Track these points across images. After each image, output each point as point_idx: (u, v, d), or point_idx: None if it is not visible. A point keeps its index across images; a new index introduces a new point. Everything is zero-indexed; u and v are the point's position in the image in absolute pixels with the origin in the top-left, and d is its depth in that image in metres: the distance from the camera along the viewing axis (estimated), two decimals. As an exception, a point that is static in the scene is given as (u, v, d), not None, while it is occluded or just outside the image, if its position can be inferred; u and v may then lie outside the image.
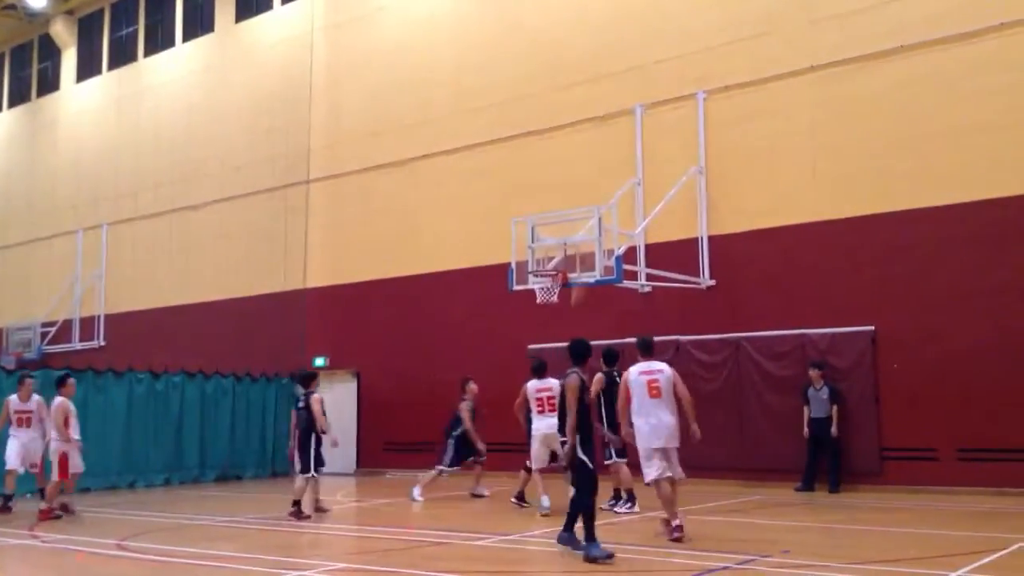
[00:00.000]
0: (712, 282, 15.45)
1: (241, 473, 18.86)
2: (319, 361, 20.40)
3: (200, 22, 24.51)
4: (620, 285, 14.41)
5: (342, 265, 20.58)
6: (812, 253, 14.65)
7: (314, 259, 21.08)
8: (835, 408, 13.73)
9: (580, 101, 17.28)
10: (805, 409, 13.95)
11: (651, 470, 8.98)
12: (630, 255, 14.95)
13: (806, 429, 13.91)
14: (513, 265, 14.37)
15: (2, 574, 8.45)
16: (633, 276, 15.06)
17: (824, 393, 13.81)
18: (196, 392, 18.52)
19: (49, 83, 28.15)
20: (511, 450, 15.18)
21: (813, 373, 13.94)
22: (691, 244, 15.66)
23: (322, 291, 20.80)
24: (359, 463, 19.38)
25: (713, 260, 15.50)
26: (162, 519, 12.05)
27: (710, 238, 15.57)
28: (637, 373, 9.34)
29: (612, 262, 13.59)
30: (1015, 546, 8.29)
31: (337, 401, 19.88)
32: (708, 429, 14.94)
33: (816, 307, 14.47)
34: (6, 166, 29.12)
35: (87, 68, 27.18)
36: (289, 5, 22.58)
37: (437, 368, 18.06)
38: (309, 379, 12.81)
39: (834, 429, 13.67)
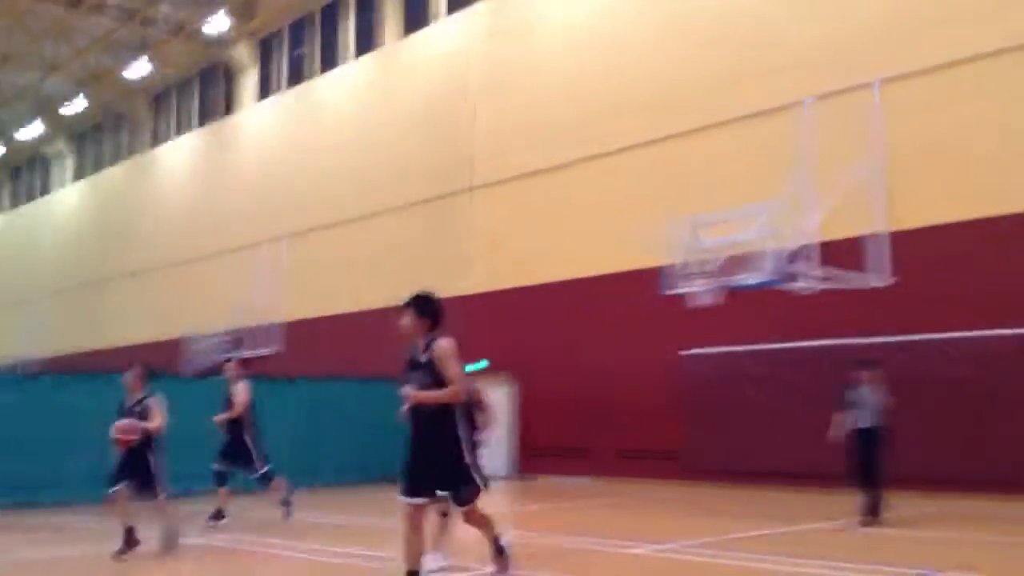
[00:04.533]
0: (891, 281, 14.41)
1: (406, 476, 19.12)
2: (480, 363, 20.53)
3: (369, 39, 25.32)
4: (788, 286, 13.70)
5: (502, 271, 20.66)
6: (1005, 248, 13.39)
7: (476, 265, 21.27)
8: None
9: (743, 96, 16.62)
10: (841, 417, 10.97)
11: None
12: (799, 254, 14.18)
13: (844, 440, 10.87)
14: (669, 268, 13.93)
15: (187, 569, 8.78)
16: (802, 277, 14.27)
17: (873, 398, 10.84)
18: (366, 397, 18.98)
19: (232, 104, 29.86)
20: (666, 457, 14.71)
21: (863, 374, 10.98)
22: (867, 241, 14.67)
23: (483, 297, 20.95)
24: (514, 467, 19.34)
25: (892, 257, 14.46)
26: (323, 520, 12.34)
27: (890, 234, 14.54)
28: None
29: (779, 262, 12.94)
30: None
31: (495, 406, 19.96)
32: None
33: (1007, 306, 13.21)
34: (195, 183, 31.10)
35: (266, 88, 28.64)
36: (453, 16, 22.96)
37: (593, 374, 17.80)
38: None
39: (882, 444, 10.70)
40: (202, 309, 27.93)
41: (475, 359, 20.61)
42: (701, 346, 15.68)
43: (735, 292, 13.33)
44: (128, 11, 27.22)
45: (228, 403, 11.37)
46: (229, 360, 11.99)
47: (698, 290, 13.33)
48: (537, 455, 19.08)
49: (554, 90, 20.11)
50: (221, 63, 29.95)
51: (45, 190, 39.63)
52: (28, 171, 40.98)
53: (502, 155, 21.05)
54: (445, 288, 22.87)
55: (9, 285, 40.19)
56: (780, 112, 16.09)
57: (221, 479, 11.22)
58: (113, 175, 35.36)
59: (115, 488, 8.66)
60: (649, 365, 16.65)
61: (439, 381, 6.23)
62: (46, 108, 34.80)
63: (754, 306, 14.87)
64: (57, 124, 36.20)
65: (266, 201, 27.59)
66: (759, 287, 13.21)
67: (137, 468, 8.75)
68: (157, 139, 33.13)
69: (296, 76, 27.55)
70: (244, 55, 28.86)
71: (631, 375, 17.15)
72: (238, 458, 11.29)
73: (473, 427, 7.56)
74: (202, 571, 8.84)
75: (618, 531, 10.60)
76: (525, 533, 10.85)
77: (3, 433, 14.50)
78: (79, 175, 37.58)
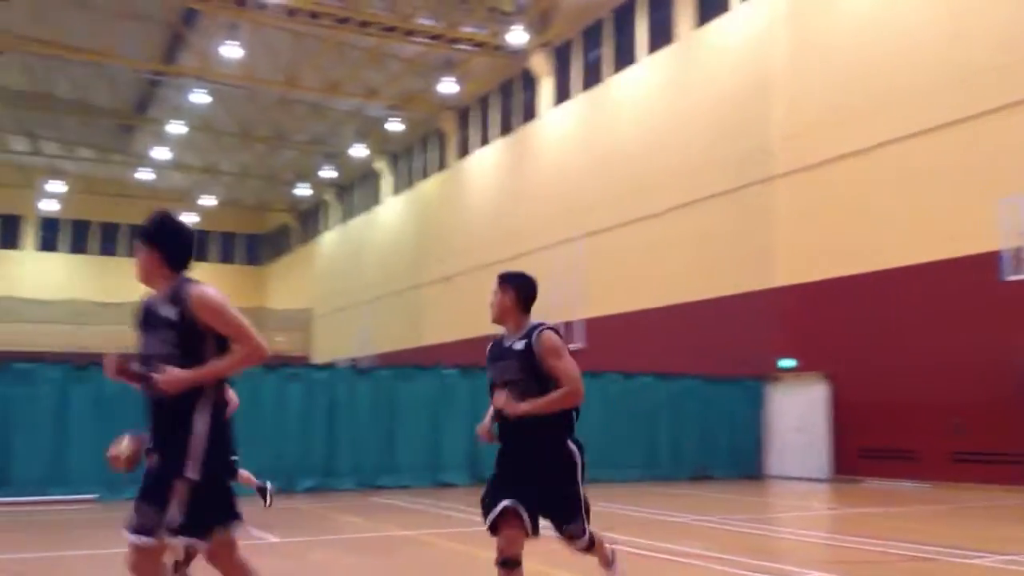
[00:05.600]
0: None
1: (712, 473, 18.99)
2: (786, 363, 19.86)
3: (663, 34, 25.33)
4: None
5: (808, 263, 19.82)
6: None
7: (778, 258, 20.59)
8: None
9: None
10: None
11: None
12: None
13: None
14: (1007, 252, 12.67)
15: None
16: None
17: None
18: (666, 393, 19.11)
19: (530, 112, 31.12)
20: (1008, 461, 13.36)
21: None
22: None
23: (788, 290, 20.22)
24: (833, 469, 18.45)
25: None
26: (634, 513, 12.53)
27: None
28: None
29: None
30: None
31: (807, 404, 19.22)
32: None
33: None
34: (499, 190, 32.78)
35: (562, 94, 29.55)
36: (750, 1, 22.38)
37: (920, 370, 16.57)
38: None
39: None
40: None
41: (785, 356, 20.09)
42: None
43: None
44: (435, 34, 29.25)
45: None
46: None
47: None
48: (857, 457, 18.09)
49: (859, 70, 18.97)
50: (520, 74, 31.32)
51: (369, 205, 43.60)
52: (355, 189, 45.31)
53: (804, 141, 20.21)
54: (748, 282, 22.69)
55: (342, 291, 44.67)
56: None
57: None
58: (426, 188, 38.17)
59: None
60: (991, 359, 15.20)
61: (189, 352, 3.97)
62: (368, 130, 38.30)
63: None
64: (378, 144, 39.69)
65: (565, 202, 28.45)
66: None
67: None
68: (464, 151, 35.31)
69: (591, 79, 28.17)
70: (541, 64, 29.97)
71: (968, 371, 15.75)
72: None
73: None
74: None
75: (956, 539, 9.81)
76: (848, 538, 10.39)
77: (347, 423, 16.25)
78: (398, 189, 40.94)
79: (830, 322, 19.01)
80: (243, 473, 11.18)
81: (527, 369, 4.86)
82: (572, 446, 4.97)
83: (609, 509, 12.89)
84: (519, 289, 5.11)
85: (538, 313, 5.13)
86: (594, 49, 28.13)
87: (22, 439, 14.00)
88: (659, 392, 19.03)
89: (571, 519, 4.86)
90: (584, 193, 27.57)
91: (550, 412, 4.81)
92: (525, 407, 4.77)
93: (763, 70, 21.49)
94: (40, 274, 47.37)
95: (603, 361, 20.07)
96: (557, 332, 4.94)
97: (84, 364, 14.77)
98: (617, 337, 24.63)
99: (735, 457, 19.45)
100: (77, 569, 8.47)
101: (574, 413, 5.01)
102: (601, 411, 18.17)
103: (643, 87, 25.93)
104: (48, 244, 48.81)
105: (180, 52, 32.73)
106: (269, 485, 11.04)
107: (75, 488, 13.96)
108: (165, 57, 33.03)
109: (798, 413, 19.28)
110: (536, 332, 4.91)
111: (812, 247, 19.82)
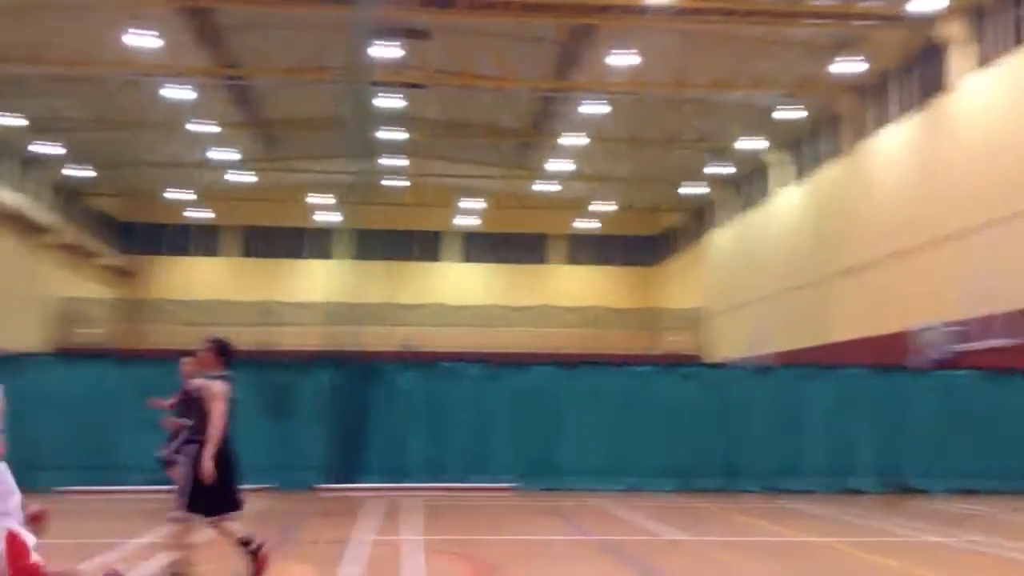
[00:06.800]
0: None
1: None
2: None
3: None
4: None
5: None
6: None
7: None
8: None
9: None
10: None
11: None
12: None
13: None
14: None
15: (929, 571, 8.43)
16: None
17: None
18: None
19: (944, 84, 28.12)
20: None
21: None
22: None
23: None
24: None
25: None
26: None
27: None
28: None
29: None
30: None
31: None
32: None
33: None
34: (908, 172, 30.01)
35: (982, 60, 26.34)
36: None
37: None
38: None
39: None
40: (925, 300, 26.89)
41: None
42: None
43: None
44: (828, 13, 27.61)
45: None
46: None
47: None
48: None
49: None
50: (929, 44, 28.49)
51: (761, 199, 42.35)
52: (746, 183, 44.30)
53: None
54: None
55: (736, 288, 43.93)
56: None
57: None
58: (825, 175, 36.16)
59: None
60: None
61: None
62: (757, 121, 37.21)
63: None
64: (768, 135, 38.42)
65: (992, 178, 25.30)
66: None
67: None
68: (867, 133, 32.92)
69: (1017, 40, 24.79)
70: (954, 30, 27.00)
71: None
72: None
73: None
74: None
75: None
76: None
77: (745, 424, 15.82)
78: (792, 180, 39.31)
79: None
80: None
81: None
82: None
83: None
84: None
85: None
86: (1020, 6, 24.76)
87: (448, 430, 15.44)
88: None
89: None
90: (1017, 166, 24.32)
91: None
92: None
93: None
94: (459, 283, 52.48)
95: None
96: None
97: (498, 363, 15.98)
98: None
99: None
100: (487, 549, 9.03)
101: None
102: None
103: (1083, 40, 22.28)
104: (464, 256, 53.90)
105: (570, 67, 34.30)
106: None
107: (494, 477, 15.09)
108: (557, 74, 34.82)
109: None
110: None
111: None
